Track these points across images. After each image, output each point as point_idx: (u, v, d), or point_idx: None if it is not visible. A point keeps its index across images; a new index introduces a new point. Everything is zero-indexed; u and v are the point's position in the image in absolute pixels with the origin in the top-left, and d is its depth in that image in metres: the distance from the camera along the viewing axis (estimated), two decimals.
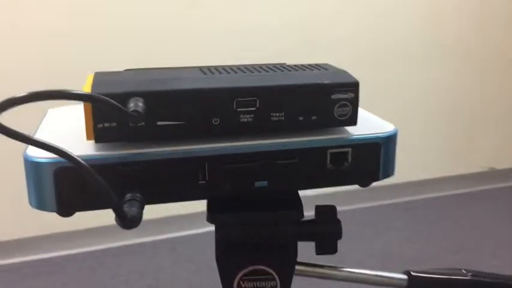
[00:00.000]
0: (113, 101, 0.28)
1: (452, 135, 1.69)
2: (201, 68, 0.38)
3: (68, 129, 0.37)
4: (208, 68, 0.37)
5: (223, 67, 0.38)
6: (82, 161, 0.27)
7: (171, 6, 1.30)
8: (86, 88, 0.32)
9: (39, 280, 1.24)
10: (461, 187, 1.70)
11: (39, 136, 0.34)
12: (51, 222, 1.24)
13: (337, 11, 1.46)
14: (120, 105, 0.28)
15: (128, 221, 0.27)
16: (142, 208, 0.31)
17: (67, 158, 0.26)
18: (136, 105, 0.30)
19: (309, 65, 0.39)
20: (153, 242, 1.39)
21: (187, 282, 1.22)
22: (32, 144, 0.27)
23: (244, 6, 1.37)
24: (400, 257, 1.32)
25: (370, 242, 1.40)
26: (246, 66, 0.38)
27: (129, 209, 0.29)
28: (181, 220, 1.38)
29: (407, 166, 1.51)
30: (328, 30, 1.46)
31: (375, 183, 0.38)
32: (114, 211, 0.26)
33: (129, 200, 0.31)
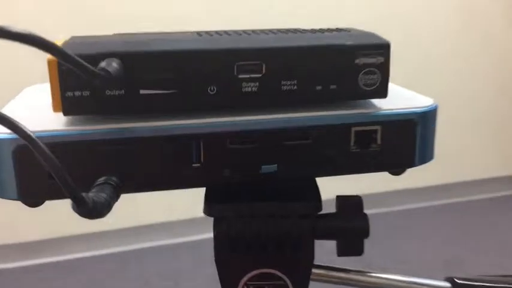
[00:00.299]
0: (71, 54, 0.21)
1: (500, 136, 1.58)
2: (198, 32, 0.31)
3: (37, 105, 0.31)
4: (207, 32, 0.31)
5: (226, 31, 0.32)
6: (24, 127, 0.20)
7: None
8: None
9: (58, 281, 1.21)
10: (505, 189, 1.59)
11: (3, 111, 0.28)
12: (68, 224, 1.21)
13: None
14: (80, 60, 0.22)
15: (89, 208, 0.21)
16: (116, 195, 0.25)
17: (7, 125, 0.20)
18: (108, 64, 0.24)
19: (328, 28, 0.33)
20: (175, 244, 1.34)
21: (207, 286, 1.16)
22: None
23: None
24: (435, 263, 1.23)
25: (399, 247, 1.31)
26: (252, 30, 0.32)
27: (96, 195, 0.23)
28: (203, 222, 1.32)
29: (450, 166, 1.42)
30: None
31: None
32: (70, 198, 0.20)
33: (101, 184, 0.25)
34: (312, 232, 0.30)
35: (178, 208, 1.25)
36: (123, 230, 1.28)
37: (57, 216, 1.14)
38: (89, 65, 0.22)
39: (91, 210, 0.21)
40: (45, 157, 0.20)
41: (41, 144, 0.20)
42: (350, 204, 0.31)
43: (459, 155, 1.49)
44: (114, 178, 0.26)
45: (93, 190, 0.24)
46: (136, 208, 1.21)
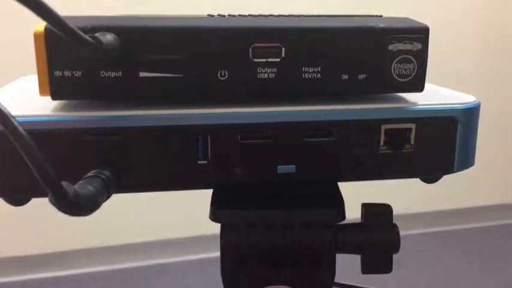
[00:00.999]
0: (60, 17, 0.18)
1: None
2: (210, 14, 0.28)
3: (26, 91, 0.28)
4: (220, 14, 0.28)
5: (240, 14, 0.28)
6: (6, 111, 0.17)
7: None
8: (41, 25, 0.23)
9: None
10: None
11: None
12: (76, 238, 1.18)
13: None
14: (72, 26, 0.18)
15: (69, 200, 0.17)
16: (107, 191, 0.21)
17: None
18: (102, 35, 0.21)
19: (357, 15, 0.29)
20: (182, 262, 1.29)
21: None
22: None
23: None
24: None
25: (419, 271, 1.25)
26: (270, 14, 0.28)
27: (80, 186, 0.19)
28: (212, 240, 1.28)
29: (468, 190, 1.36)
30: None
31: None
32: (46, 187, 0.17)
33: (89, 177, 0.21)
34: (333, 244, 0.26)
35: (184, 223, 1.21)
36: (128, 245, 1.25)
37: (60, 230, 1.11)
38: (79, 31, 0.19)
39: (71, 202, 0.17)
40: (16, 136, 0.16)
41: (14, 121, 0.16)
42: (378, 214, 0.27)
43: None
44: (105, 172, 0.22)
45: (80, 182, 0.20)
46: (143, 223, 1.17)
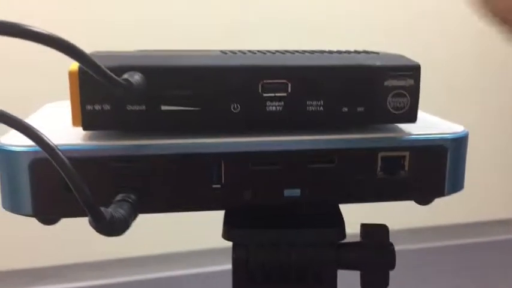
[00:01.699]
0: (96, 61, 0.21)
1: None
2: (222, 50, 0.31)
3: (57, 119, 0.30)
4: (231, 50, 0.31)
5: (250, 50, 0.31)
6: (50, 141, 0.20)
7: None
8: (75, 64, 0.26)
9: None
10: None
11: None
12: (83, 250, 1.20)
13: None
14: (106, 69, 0.21)
15: (107, 222, 0.19)
16: (134, 214, 0.24)
17: (27, 134, 0.19)
18: (130, 76, 0.23)
19: (355, 50, 0.32)
20: (183, 276, 1.31)
21: None
22: None
23: None
24: None
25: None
26: (277, 50, 0.31)
27: (114, 210, 0.22)
28: (215, 254, 1.30)
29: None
30: None
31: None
32: (87, 210, 0.19)
33: (118, 201, 0.24)
34: (336, 261, 0.29)
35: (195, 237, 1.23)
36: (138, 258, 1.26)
37: (70, 242, 1.13)
38: (112, 74, 0.22)
39: (109, 225, 0.20)
40: (63, 167, 0.19)
41: (60, 153, 0.19)
42: (375, 233, 0.29)
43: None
44: (132, 196, 0.25)
45: (111, 206, 0.23)
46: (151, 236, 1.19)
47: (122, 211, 0.22)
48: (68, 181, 0.19)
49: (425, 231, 1.43)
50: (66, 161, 0.19)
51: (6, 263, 1.20)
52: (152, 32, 1.18)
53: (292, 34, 1.21)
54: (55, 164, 0.19)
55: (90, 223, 0.20)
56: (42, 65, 1.04)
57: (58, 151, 0.19)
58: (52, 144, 0.19)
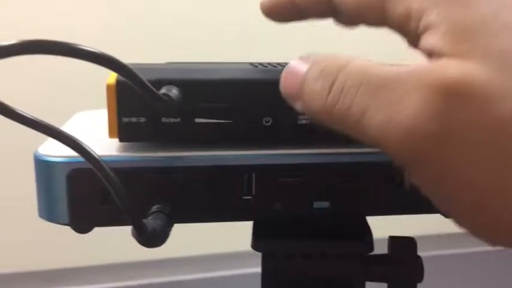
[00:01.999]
0: (139, 75, 0.21)
1: None
2: (251, 63, 0.31)
3: (91, 129, 0.31)
4: (260, 62, 0.31)
5: (279, 62, 0.31)
6: (95, 154, 0.20)
7: None
8: (113, 74, 0.26)
9: None
10: None
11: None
12: (95, 253, 1.21)
13: None
14: (149, 84, 0.22)
15: (149, 236, 0.20)
16: (170, 224, 0.24)
17: (79, 151, 0.20)
18: (168, 90, 0.24)
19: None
20: (199, 280, 1.31)
21: None
22: (34, 128, 0.21)
23: None
24: None
25: None
26: None
27: (153, 222, 0.22)
28: (227, 258, 1.30)
29: None
30: None
31: None
32: (131, 223, 0.20)
33: (155, 212, 0.24)
34: (364, 274, 0.29)
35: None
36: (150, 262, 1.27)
37: (80, 245, 1.14)
38: (154, 89, 0.22)
39: (151, 237, 0.20)
40: (110, 181, 0.19)
41: (106, 167, 0.20)
42: (403, 246, 0.30)
43: None
44: (167, 207, 0.25)
45: (149, 218, 0.23)
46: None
47: (160, 222, 0.22)
48: (113, 193, 0.20)
49: (438, 238, 1.42)
50: (112, 173, 0.20)
51: (16, 265, 1.22)
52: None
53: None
54: (101, 176, 0.20)
55: (133, 234, 0.20)
56: (68, 74, 1.06)
57: (103, 163, 0.20)
58: (97, 157, 0.20)
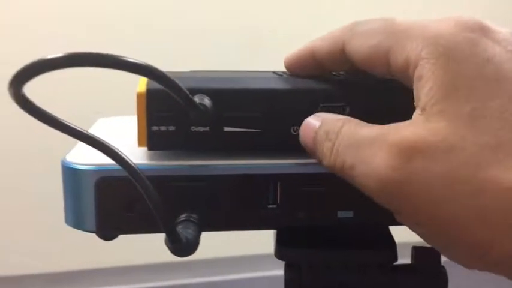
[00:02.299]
0: (180, 84, 0.22)
1: None
2: (275, 72, 0.32)
3: (117, 137, 0.31)
4: (284, 72, 0.31)
5: None
6: (130, 162, 0.21)
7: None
8: (142, 83, 0.26)
9: None
10: None
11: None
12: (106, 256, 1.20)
13: None
14: (188, 93, 0.22)
15: (184, 245, 0.20)
16: (199, 232, 0.24)
17: (117, 161, 0.20)
18: (201, 99, 0.24)
19: None
20: (226, 282, 1.30)
21: None
22: (65, 131, 0.21)
23: None
24: None
25: None
26: (333, 73, 0.32)
27: (184, 231, 0.22)
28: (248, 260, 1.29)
29: None
30: None
31: None
32: (166, 233, 0.20)
33: (184, 220, 0.24)
34: (389, 284, 0.29)
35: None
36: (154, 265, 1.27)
37: (86, 248, 1.14)
38: (192, 98, 0.23)
39: (185, 246, 0.20)
40: (146, 190, 0.19)
41: (143, 176, 0.20)
42: (427, 256, 0.30)
43: None
44: (195, 216, 0.25)
45: (180, 227, 0.23)
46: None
47: (191, 231, 0.23)
48: (148, 202, 0.20)
49: None
50: (148, 182, 0.20)
51: (23, 268, 1.22)
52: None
53: None
54: (137, 185, 0.20)
55: (166, 244, 0.20)
56: (90, 80, 1.06)
57: (140, 172, 0.20)
58: (134, 165, 0.20)
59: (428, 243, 0.24)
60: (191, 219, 0.25)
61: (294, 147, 0.28)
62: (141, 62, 0.19)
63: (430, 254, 0.30)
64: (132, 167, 0.20)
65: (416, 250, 0.30)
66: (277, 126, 0.27)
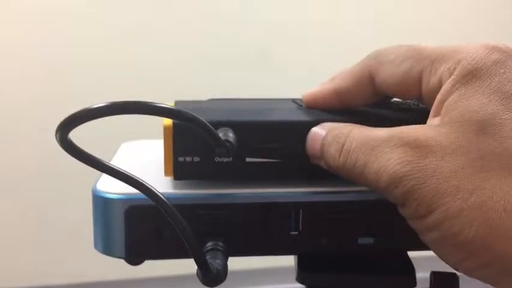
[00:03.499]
0: (209, 125, 0.23)
1: None
2: (294, 100, 0.33)
3: (142, 165, 0.32)
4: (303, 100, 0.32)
5: None
6: (164, 199, 0.22)
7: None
8: (167, 120, 0.28)
9: None
10: None
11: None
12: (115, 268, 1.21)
13: None
14: (215, 132, 0.23)
15: (214, 276, 0.21)
16: (226, 260, 0.25)
17: (147, 193, 0.21)
18: (225, 134, 0.25)
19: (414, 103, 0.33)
20: None
21: None
22: (106, 172, 0.22)
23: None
24: None
25: None
26: None
27: (213, 261, 0.23)
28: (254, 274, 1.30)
29: None
30: None
31: None
32: (198, 265, 0.21)
33: (211, 249, 0.25)
34: None
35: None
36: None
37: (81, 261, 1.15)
38: (219, 136, 0.24)
39: (215, 277, 0.21)
40: (176, 220, 0.21)
41: (173, 208, 0.21)
42: (446, 281, 0.30)
43: None
44: (220, 244, 0.26)
45: (208, 257, 0.24)
46: None
47: (220, 262, 0.23)
48: (179, 232, 0.21)
49: None
50: (177, 212, 0.21)
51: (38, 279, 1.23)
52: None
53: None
54: (168, 217, 0.21)
55: (198, 275, 0.21)
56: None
57: (170, 205, 0.21)
58: (164, 199, 0.21)
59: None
60: (218, 247, 0.26)
61: (314, 176, 0.29)
62: (176, 109, 0.21)
63: (448, 280, 0.30)
64: (162, 199, 0.21)
65: (434, 275, 0.31)
66: (297, 156, 0.28)
